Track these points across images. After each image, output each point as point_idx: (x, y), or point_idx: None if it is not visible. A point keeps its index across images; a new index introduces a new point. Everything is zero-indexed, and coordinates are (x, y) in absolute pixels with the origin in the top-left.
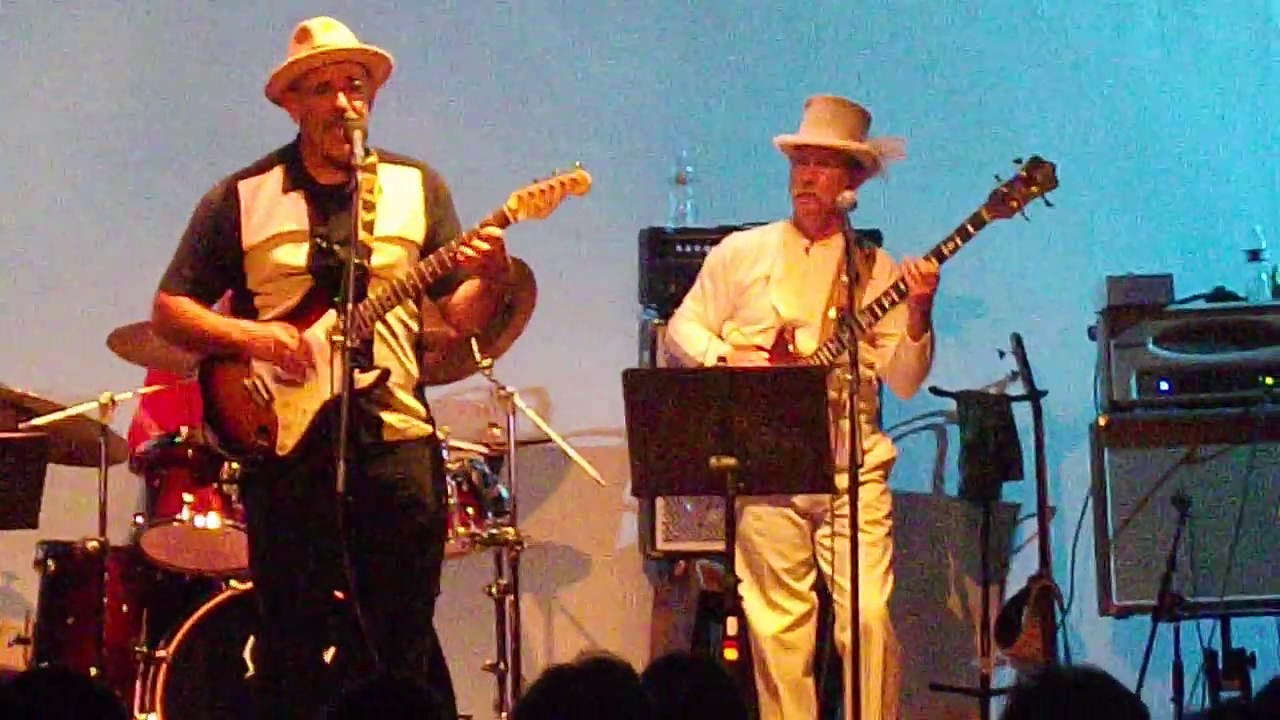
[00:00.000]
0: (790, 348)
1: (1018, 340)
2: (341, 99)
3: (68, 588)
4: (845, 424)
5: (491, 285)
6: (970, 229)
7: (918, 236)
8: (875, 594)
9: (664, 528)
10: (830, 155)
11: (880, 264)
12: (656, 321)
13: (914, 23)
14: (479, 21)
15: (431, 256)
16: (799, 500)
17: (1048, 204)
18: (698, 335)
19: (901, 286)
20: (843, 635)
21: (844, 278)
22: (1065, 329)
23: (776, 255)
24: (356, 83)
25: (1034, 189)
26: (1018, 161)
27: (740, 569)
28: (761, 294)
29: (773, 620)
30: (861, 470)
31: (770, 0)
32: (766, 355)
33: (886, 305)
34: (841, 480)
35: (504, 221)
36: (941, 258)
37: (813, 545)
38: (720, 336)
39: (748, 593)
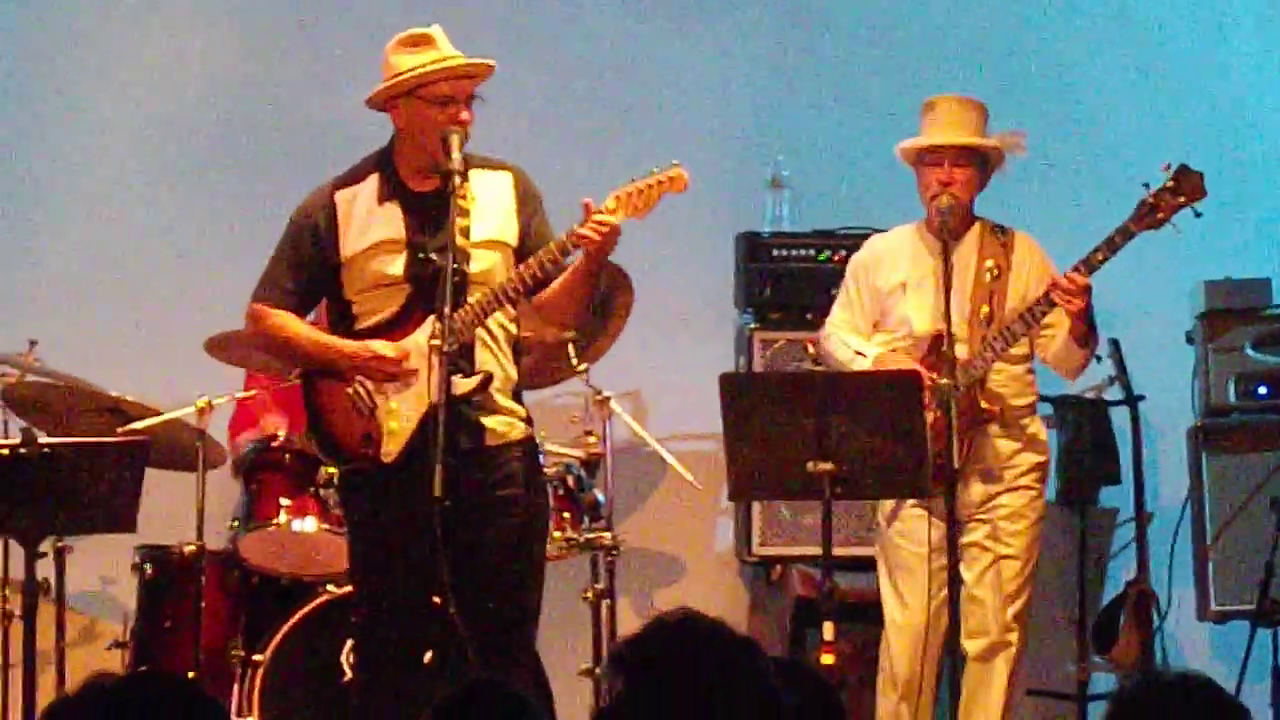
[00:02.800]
0: (944, 353)
1: (1115, 345)
2: (465, 113)
3: (165, 592)
4: (993, 426)
5: (591, 270)
6: (1118, 240)
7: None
8: (1005, 606)
9: (760, 532)
10: (965, 154)
11: (1020, 248)
12: (753, 326)
13: (1007, 26)
14: (572, 25)
15: (531, 260)
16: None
17: (1196, 214)
18: (842, 350)
19: (1053, 298)
20: (968, 643)
21: (986, 275)
22: (1163, 333)
23: (912, 260)
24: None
25: (1181, 199)
26: (1166, 168)
27: (881, 568)
28: (899, 302)
29: (901, 611)
30: (1012, 473)
31: (865, 4)
32: (915, 359)
33: (1039, 315)
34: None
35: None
36: (1091, 269)
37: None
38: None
39: (883, 583)
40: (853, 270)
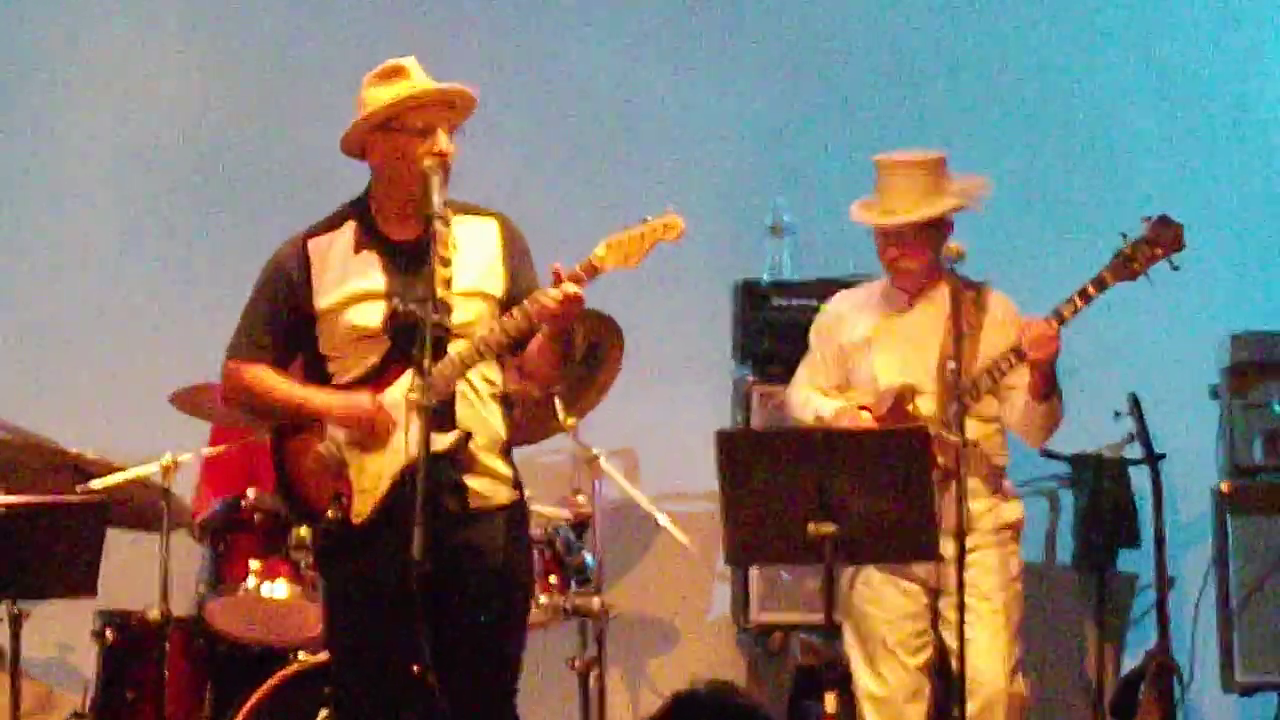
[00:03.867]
0: (909, 410)
1: (1135, 400)
2: (444, 141)
3: (127, 660)
4: (969, 484)
5: (562, 339)
6: (1091, 291)
7: (1030, 291)
8: (999, 665)
9: (759, 598)
10: (910, 225)
11: (994, 305)
12: (751, 379)
13: (1025, 66)
14: (561, 60)
15: (515, 311)
16: (919, 569)
17: (1173, 267)
18: (800, 399)
19: (1021, 348)
20: (969, 704)
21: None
22: (1186, 388)
23: (877, 316)
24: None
25: (1158, 250)
26: (1146, 219)
27: (849, 643)
28: (864, 359)
29: (876, 684)
30: (987, 530)
31: (872, 42)
32: (870, 416)
33: (1005, 369)
34: (963, 541)
35: (592, 271)
36: (1061, 320)
37: (931, 615)
38: None
39: (853, 652)
40: (816, 329)
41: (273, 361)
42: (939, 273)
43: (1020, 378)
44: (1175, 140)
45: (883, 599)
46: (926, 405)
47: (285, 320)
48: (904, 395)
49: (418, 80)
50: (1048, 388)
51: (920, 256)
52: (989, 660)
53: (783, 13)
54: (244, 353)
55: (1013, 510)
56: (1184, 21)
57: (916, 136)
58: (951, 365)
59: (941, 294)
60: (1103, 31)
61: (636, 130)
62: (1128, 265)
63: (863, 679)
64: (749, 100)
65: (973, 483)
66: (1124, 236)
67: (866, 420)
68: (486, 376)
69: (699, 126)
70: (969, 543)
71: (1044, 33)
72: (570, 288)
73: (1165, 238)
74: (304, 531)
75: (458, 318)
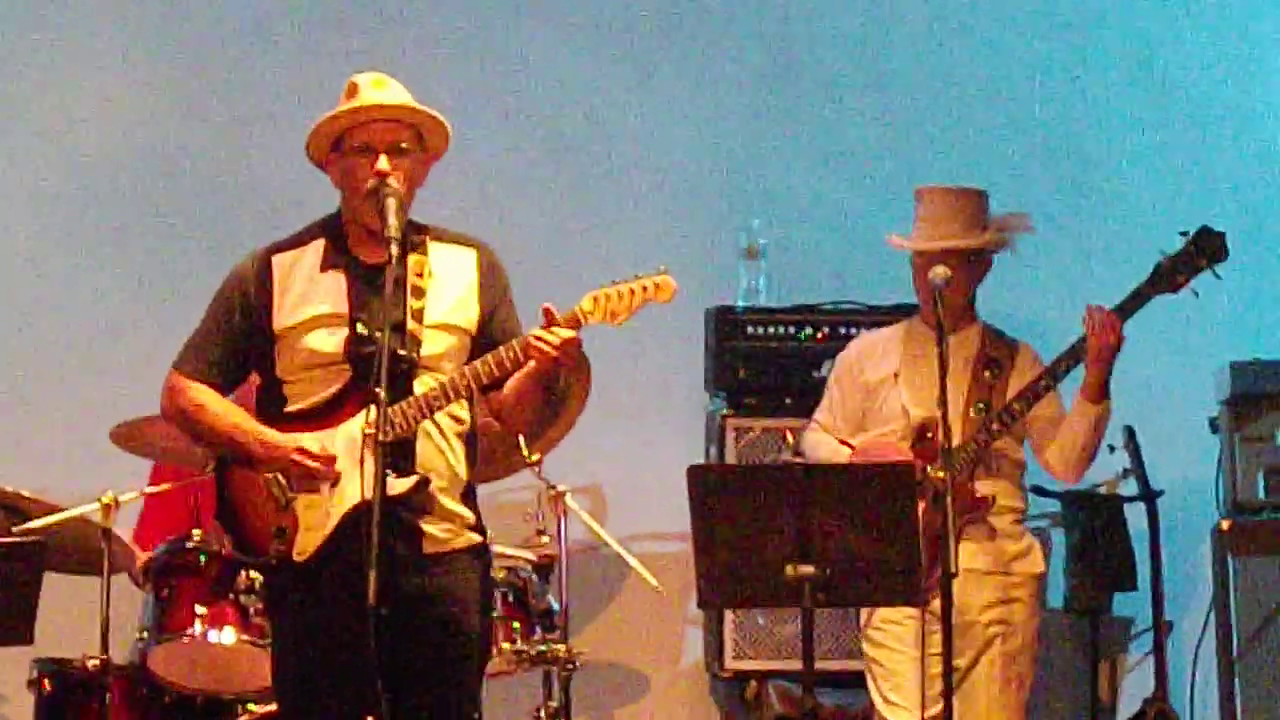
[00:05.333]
0: (930, 443)
1: (1130, 433)
2: (383, 161)
3: (65, 711)
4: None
5: (550, 382)
6: (1130, 308)
7: (1019, 312)
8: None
9: (733, 644)
10: (953, 254)
11: (1023, 356)
12: (725, 411)
13: (1012, 78)
14: (527, 75)
15: (489, 356)
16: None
17: (1217, 276)
18: (822, 441)
19: (1078, 347)
20: None
21: (985, 371)
22: (1184, 421)
23: (905, 351)
24: (403, 146)
25: (1203, 262)
26: (1184, 234)
27: (871, 677)
28: (891, 392)
29: (890, 711)
30: (1027, 577)
31: (851, 60)
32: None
33: (1027, 407)
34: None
35: (575, 324)
36: (1124, 315)
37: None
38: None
39: (877, 691)
40: (837, 371)
41: (220, 380)
42: (971, 315)
43: (1046, 410)
44: (1171, 160)
45: (905, 636)
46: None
47: (240, 338)
48: (926, 428)
49: (364, 98)
50: (1104, 388)
51: (963, 287)
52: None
53: (758, 30)
54: (190, 367)
55: (1039, 560)
56: (1183, 35)
57: (897, 156)
58: (976, 410)
59: (974, 334)
60: (1098, 45)
61: (607, 150)
62: (1170, 279)
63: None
64: (723, 119)
65: (1000, 521)
66: (1163, 253)
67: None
68: (453, 413)
69: (671, 146)
70: (997, 590)
71: (1034, 47)
72: (568, 333)
73: (1209, 246)
74: (254, 575)
75: (427, 350)
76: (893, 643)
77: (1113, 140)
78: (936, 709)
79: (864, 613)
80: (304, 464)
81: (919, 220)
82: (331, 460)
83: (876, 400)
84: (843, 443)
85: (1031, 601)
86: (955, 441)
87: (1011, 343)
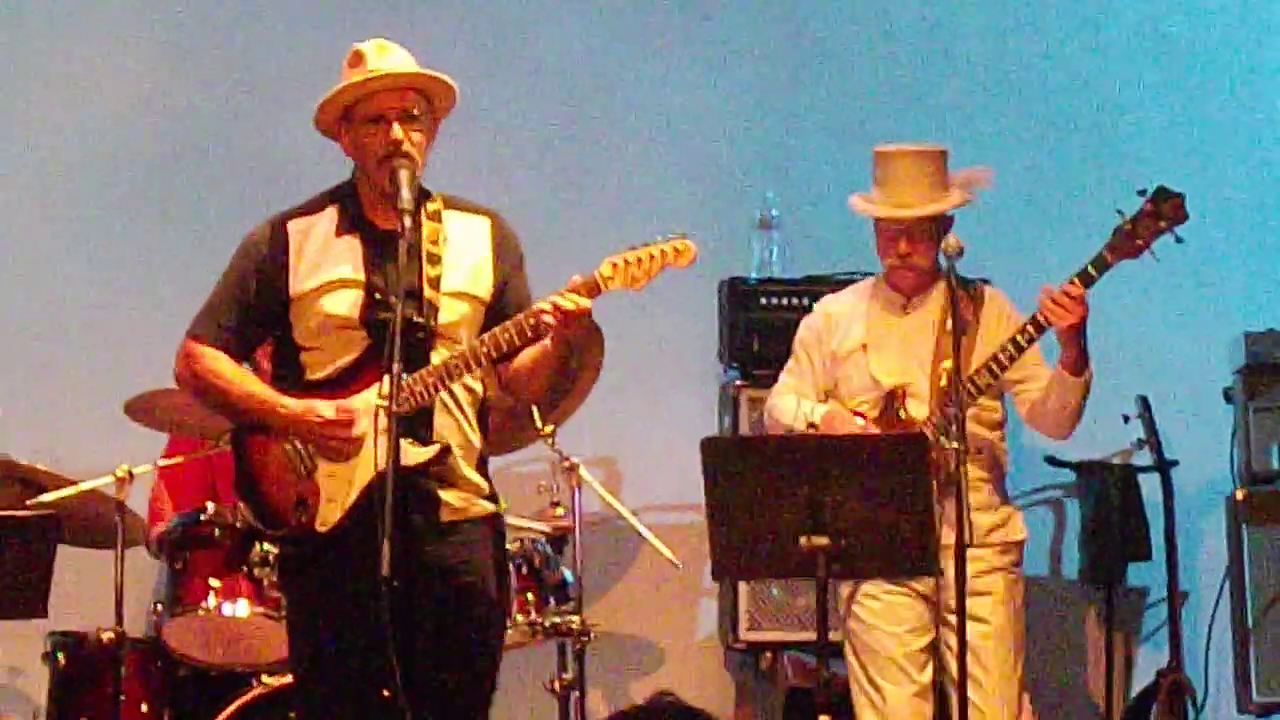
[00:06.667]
0: (900, 414)
1: (1145, 404)
2: (396, 130)
3: (80, 684)
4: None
5: (562, 354)
6: (1093, 273)
7: (1030, 286)
8: (1004, 713)
9: (748, 615)
10: (924, 220)
11: (990, 305)
12: (739, 382)
13: (1026, 51)
14: (543, 49)
15: (509, 324)
16: (917, 583)
17: (1177, 239)
18: (790, 405)
19: (1040, 319)
20: None
21: (949, 332)
22: (1198, 390)
23: (872, 319)
24: (415, 113)
25: (1162, 224)
26: (1141, 193)
27: (849, 658)
28: (860, 364)
29: (879, 702)
30: (995, 549)
31: (864, 27)
32: (864, 421)
33: (1006, 362)
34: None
35: (595, 289)
36: (1087, 283)
37: (936, 631)
38: None
39: (853, 669)
40: (802, 337)
41: (236, 346)
42: (933, 274)
43: (1027, 371)
44: (1185, 128)
45: (888, 612)
46: (918, 408)
47: (255, 303)
48: (894, 396)
49: (373, 66)
50: (1085, 358)
51: (929, 253)
52: (994, 708)
53: (773, 1)
54: (206, 334)
55: (1019, 527)
56: (1195, 1)
57: (911, 125)
58: (948, 365)
59: (937, 293)
60: (1108, 11)
61: (619, 122)
62: (1130, 241)
63: (863, 698)
64: (736, 90)
65: (976, 494)
66: (1120, 213)
67: (861, 424)
68: (468, 384)
69: (684, 117)
70: (978, 561)
71: (1045, 16)
72: (582, 300)
73: (1167, 208)
74: (267, 547)
75: (443, 318)
76: (870, 617)
77: (1125, 109)
78: (924, 679)
79: (844, 588)
80: (324, 429)
81: (885, 185)
82: (351, 423)
83: (845, 370)
84: (809, 424)
85: (1012, 569)
86: (922, 410)
87: (976, 291)
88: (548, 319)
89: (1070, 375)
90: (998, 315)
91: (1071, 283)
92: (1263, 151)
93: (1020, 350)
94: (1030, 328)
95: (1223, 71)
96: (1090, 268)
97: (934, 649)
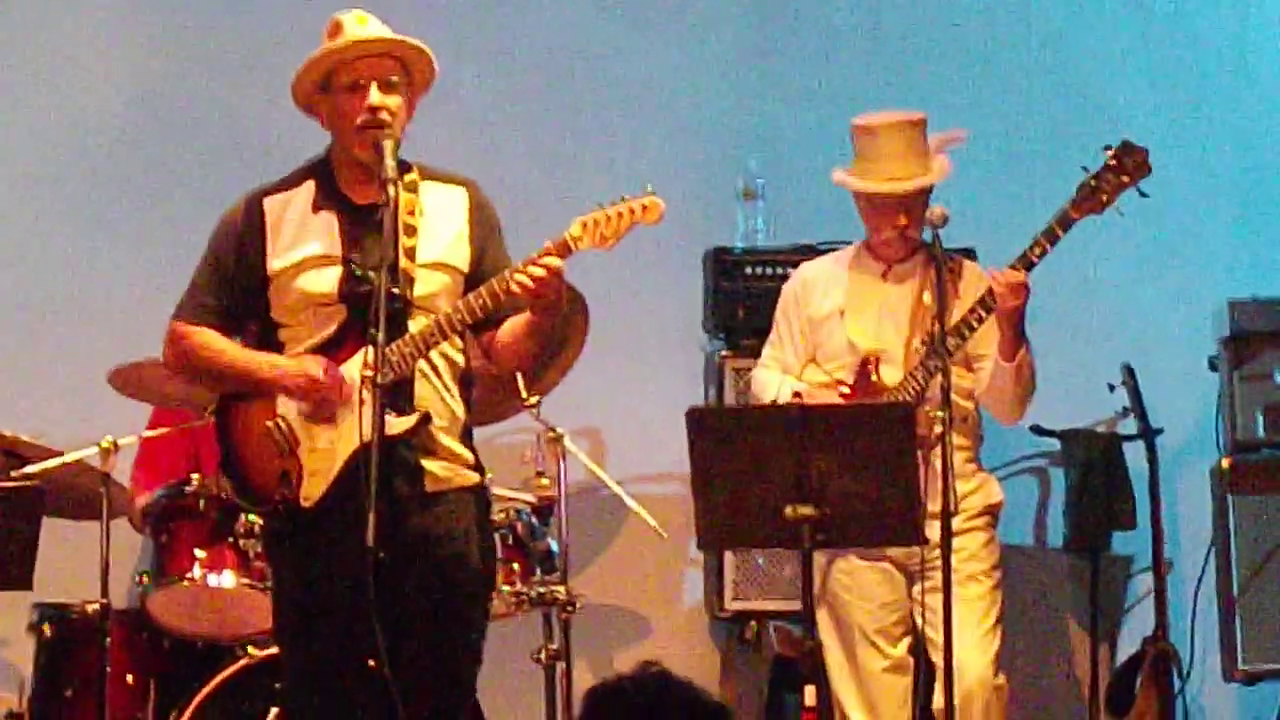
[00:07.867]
0: (874, 379)
1: (1129, 372)
2: (375, 95)
3: (66, 655)
4: (937, 463)
5: (542, 321)
6: (1058, 230)
7: (1015, 248)
8: (979, 655)
9: (733, 585)
10: (919, 194)
11: (969, 278)
12: (724, 353)
13: (1008, 18)
14: (523, 19)
15: (482, 289)
16: (893, 551)
17: (1141, 194)
18: (771, 379)
19: (990, 301)
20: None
21: (928, 301)
22: (1183, 359)
23: (852, 285)
24: (393, 80)
25: (1125, 178)
26: (1107, 149)
27: (824, 630)
28: (837, 328)
29: (853, 674)
30: (963, 515)
31: None
32: (846, 391)
33: (974, 324)
34: (937, 529)
35: (565, 250)
36: (1029, 265)
37: (910, 602)
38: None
39: (829, 640)
40: (782, 303)
41: (220, 325)
42: (919, 244)
43: (989, 346)
44: (1169, 95)
45: (862, 585)
46: (892, 375)
47: (235, 282)
48: (868, 363)
49: (350, 33)
50: (1017, 342)
51: (921, 222)
52: (970, 652)
53: None
54: (189, 314)
55: (997, 490)
56: None
57: (895, 93)
58: (924, 337)
59: (917, 262)
60: None
61: (600, 90)
62: (1094, 196)
63: (838, 669)
64: (718, 58)
65: (957, 461)
66: (1085, 169)
67: (838, 397)
68: (448, 355)
69: (665, 85)
70: (963, 522)
71: None
72: (549, 260)
73: (1130, 163)
74: (253, 518)
75: (420, 290)
76: (843, 591)
77: (1110, 77)
78: (898, 653)
79: (819, 558)
80: (314, 386)
81: (871, 158)
82: (340, 379)
83: (822, 336)
84: (795, 393)
85: (988, 530)
86: (899, 377)
87: (955, 264)
88: (521, 279)
89: (1002, 360)
90: (975, 290)
91: (1014, 268)
92: (1245, 120)
93: (980, 320)
94: (980, 308)
95: (1208, 38)
96: (1055, 225)
97: (910, 622)
